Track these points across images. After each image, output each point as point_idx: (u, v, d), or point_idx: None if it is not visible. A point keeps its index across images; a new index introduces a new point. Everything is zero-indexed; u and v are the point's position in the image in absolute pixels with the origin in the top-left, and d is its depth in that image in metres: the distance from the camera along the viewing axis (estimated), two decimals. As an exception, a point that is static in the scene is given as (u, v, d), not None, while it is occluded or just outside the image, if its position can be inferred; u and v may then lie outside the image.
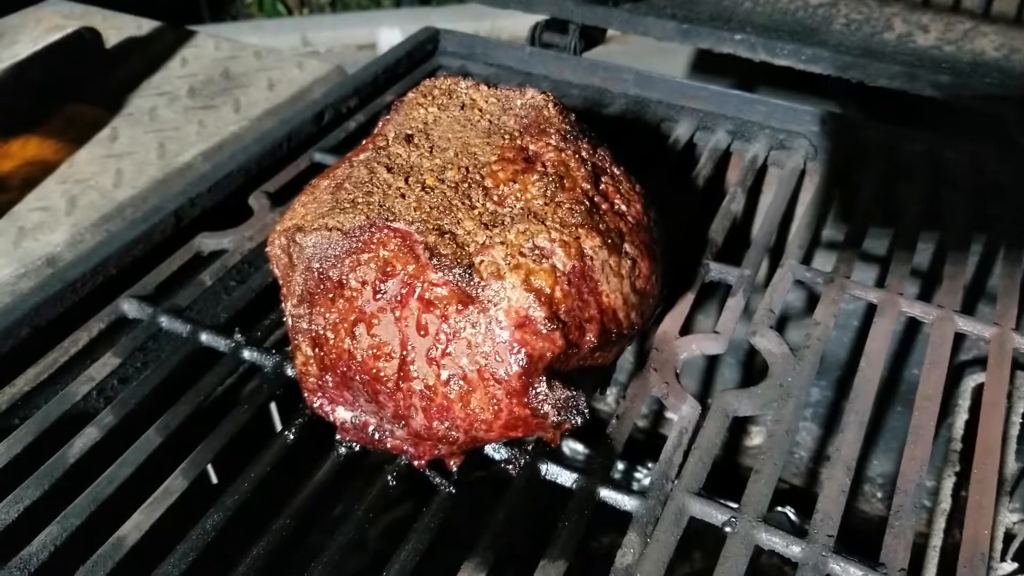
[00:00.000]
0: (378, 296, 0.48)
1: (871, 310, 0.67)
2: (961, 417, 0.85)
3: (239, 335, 0.62)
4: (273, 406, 0.84)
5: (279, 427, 0.85)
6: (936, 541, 0.72)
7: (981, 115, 0.92)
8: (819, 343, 0.60)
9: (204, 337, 0.62)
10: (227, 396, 0.67)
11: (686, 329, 0.64)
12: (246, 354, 0.61)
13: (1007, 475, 0.74)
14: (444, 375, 0.47)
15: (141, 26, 1.06)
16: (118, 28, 1.05)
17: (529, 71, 0.93)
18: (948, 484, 0.81)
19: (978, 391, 0.88)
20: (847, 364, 1.05)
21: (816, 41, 0.96)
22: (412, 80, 0.91)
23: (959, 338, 0.64)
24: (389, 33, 3.37)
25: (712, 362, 1.14)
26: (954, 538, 0.80)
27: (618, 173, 0.55)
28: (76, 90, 0.91)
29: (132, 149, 0.83)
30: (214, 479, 0.79)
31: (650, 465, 1.13)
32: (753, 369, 1.12)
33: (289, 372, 0.59)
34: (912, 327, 1.00)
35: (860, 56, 0.87)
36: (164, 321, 0.63)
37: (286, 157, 0.79)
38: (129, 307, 0.65)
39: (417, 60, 0.94)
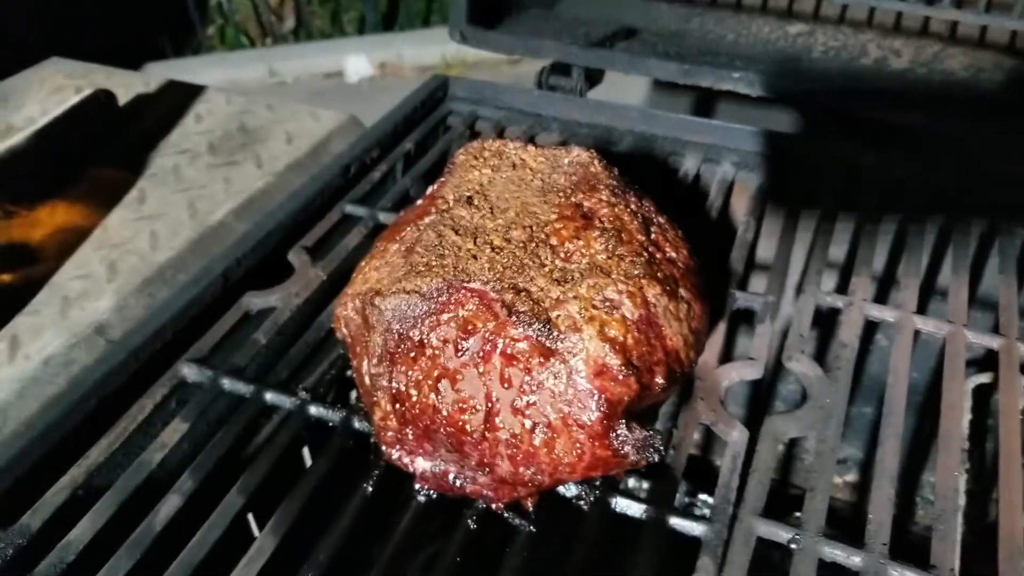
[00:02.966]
0: (460, 353, 0.51)
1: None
2: (966, 417, 0.90)
3: (304, 392, 0.64)
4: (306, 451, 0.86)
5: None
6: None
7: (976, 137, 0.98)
8: (848, 363, 0.65)
9: (268, 396, 0.65)
10: (294, 453, 0.69)
11: (723, 358, 0.68)
12: (313, 410, 0.63)
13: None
14: (529, 424, 0.50)
15: (148, 83, 1.08)
16: (126, 86, 1.07)
17: (538, 112, 0.97)
18: (960, 482, 0.86)
19: (979, 391, 0.94)
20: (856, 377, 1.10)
21: (798, 71, 1.02)
22: (427, 127, 0.95)
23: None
24: (356, 60, 3.40)
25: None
26: (968, 535, 0.86)
27: (663, 221, 0.59)
28: (96, 153, 0.93)
29: (163, 210, 0.85)
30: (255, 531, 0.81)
31: (701, 496, 1.17)
32: (778, 390, 1.16)
33: (356, 425, 0.62)
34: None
35: (849, 90, 0.92)
36: (226, 383, 0.66)
37: (318, 211, 0.82)
38: (188, 371, 0.67)
39: (430, 108, 0.98)
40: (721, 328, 0.70)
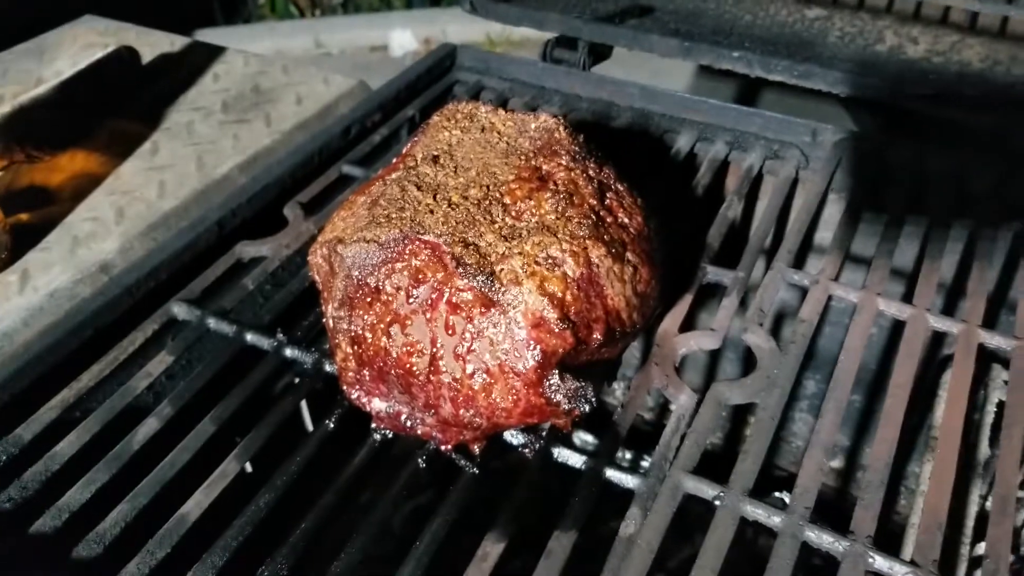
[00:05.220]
0: (411, 300, 0.54)
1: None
2: (941, 408, 0.91)
3: (281, 334, 0.68)
4: (304, 405, 0.90)
5: (308, 422, 0.93)
6: (915, 519, 0.78)
7: (977, 124, 0.98)
8: (803, 338, 0.67)
9: (249, 337, 0.69)
10: (267, 389, 0.73)
11: (687, 327, 0.70)
12: (288, 352, 0.68)
13: (980, 459, 0.81)
14: (469, 369, 0.53)
15: (173, 43, 1.13)
16: (152, 45, 1.12)
17: (542, 85, 0.99)
18: (927, 468, 0.87)
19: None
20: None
21: (810, 55, 1.02)
22: (432, 94, 0.98)
23: (937, 336, 0.70)
24: (401, 35, 3.45)
25: (715, 358, 1.20)
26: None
27: (622, 189, 0.61)
28: (117, 106, 0.98)
29: (172, 162, 0.89)
30: (248, 468, 0.86)
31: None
32: (751, 364, 1.18)
33: (327, 368, 0.66)
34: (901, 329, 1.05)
35: (848, 72, 0.93)
36: (212, 322, 0.70)
37: (317, 169, 0.86)
38: (179, 310, 0.71)
39: (436, 75, 1.01)
40: (687, 299, 0.72)
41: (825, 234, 1.00)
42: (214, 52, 1.10)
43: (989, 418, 0.81)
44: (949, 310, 0.91)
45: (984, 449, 0.78)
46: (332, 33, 3.44)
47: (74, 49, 1.13)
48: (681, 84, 2.76)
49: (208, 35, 3.26)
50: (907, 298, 0.72)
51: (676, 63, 1.18)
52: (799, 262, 1.01)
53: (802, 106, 1.31)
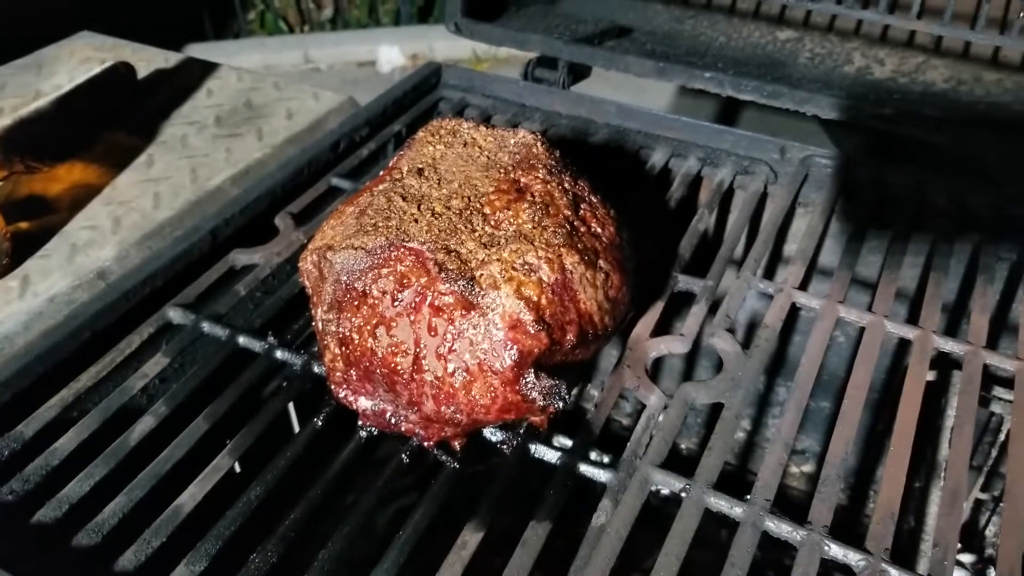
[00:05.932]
0: (396, 303, 0.58)
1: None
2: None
3: (271, 338, 0.72)
4: (291, 406, 0.94)
5: (295, 422, 0.96)
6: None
7: (939, 143, 1.02)
8: (767, 343, 0.71)
9: (241, 340, 0.72)
10: (258, 389, 0.76)
11: (659, 332, 0.74)
12: (278, 354, 0.71)
13: (941, 461, 0.85)
14: (450, 368, 0.57)
15: (168, 59, 1.16)
16: (147, 61, 1.15)
17: (523, 102, 1.03)
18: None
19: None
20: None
21: (780, 76, 1.07)
22: (418, 111, 1.02)
23: (906, 345, 0.73)
24: (388, 51, 3.50)
25: (690, 363, 1.24)
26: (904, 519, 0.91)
27: (595, 201, 0.65)
28: (113, 119, 1.02)
29: (167, 174, 0.93)
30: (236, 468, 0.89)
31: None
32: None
33: (316, 369, 0.69)
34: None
35: (815, 92, 0.97)
36: (205, 326, 0.73)
37: (307, 181, 0.89)
38: (174, 314, 0.74)
39: (422, 92, 1.05)
40: (659, 306, 0.76)
41: (794, 246, 1.05)
42: (208, 68, 1.14)
43: (950, 422, 0.85)
44: (914, 319, 0.96)
45: (945, 451, 0.82)
46: (321, 48, 3.49)
47: (72, 64, 1.17)
48: (667, 99, 2.82)
49: (199, 50, 3.30)
50: (871, 308, 0.76)
51: (654, 90, 1.23)
52: (769, 272, 1.05)
53: (785, 122, 1.35)
